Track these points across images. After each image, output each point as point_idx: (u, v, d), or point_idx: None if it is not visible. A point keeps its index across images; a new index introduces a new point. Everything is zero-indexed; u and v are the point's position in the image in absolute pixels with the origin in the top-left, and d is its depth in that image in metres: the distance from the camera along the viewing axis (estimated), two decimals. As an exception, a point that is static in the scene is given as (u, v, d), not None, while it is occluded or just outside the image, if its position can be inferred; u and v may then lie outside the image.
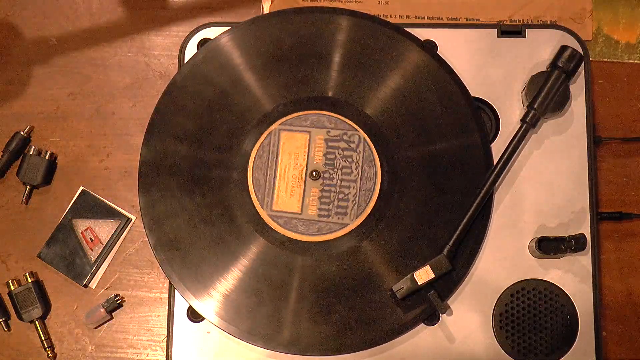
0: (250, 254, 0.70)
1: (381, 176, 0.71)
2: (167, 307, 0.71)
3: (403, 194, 0.71)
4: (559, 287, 0.71)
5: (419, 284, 0.67)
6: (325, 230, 0.70)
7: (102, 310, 0.74)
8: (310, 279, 0.69)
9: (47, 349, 0.74)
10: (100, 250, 0.76)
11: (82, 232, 0.76)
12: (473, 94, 0.73)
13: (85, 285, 0.76)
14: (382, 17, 0.78)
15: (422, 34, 0.74)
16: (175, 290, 0.70)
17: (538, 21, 0.80)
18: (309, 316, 0.68)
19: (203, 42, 0.74)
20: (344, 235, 0.70)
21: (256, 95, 0.72)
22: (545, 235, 0.70)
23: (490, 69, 0.74)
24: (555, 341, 0.70)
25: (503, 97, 0.74)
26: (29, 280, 0.75)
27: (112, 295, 0.75)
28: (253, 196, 0.70)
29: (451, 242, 0.68)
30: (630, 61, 0.80)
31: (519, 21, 0.80)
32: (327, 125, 0.72)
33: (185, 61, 0.74)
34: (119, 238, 0.77)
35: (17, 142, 0.77)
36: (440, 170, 0.71)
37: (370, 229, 0.70)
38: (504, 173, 0.71)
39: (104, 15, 0.81)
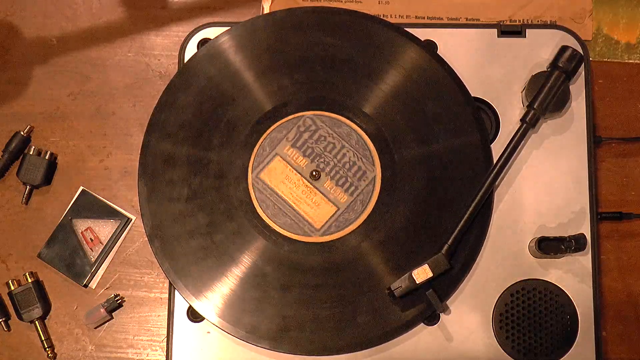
0: (250, 254, 0.70)
1: (352, 122, 0.71)
2: (167, 307, 0.71)
3: (402, 193, 0.71)
4: (559, 287, 0.71)
5: (417, 282, 0.67)
6: (367, 196, 0.70)
7: (102, 310, 0.74)
8: (309, 278, 0.69)
9: (47, 349, 0.74)
10: (100, 250, 0.76)
11: (82, 232, 0.76)
12: (473, 94, 0.73)
13: (85, 285, 0.76)
14: (382, 17, 0.78)
15: (422, 34, 0.74)
16: (175, 290, 0.70)
17: (538, 21, 0.80)
18: (308, 316, 0.68)
19: (203, 42, 0.74)
20: (381, 190, 0.70)
21: (256, 95, 0.72)
22: (545, 235, 0.71)
23: (490, 69, 0.74)
24: (555, 341, 0.70)
25: (503, 97, 0.74)
26: (29, 280, 0.75)
27: (112, 295, 0.75)
28: (299, 237, 0.70)
29: (450, 241, 0.68)
30: (630, 61, 0.80)
31: (519, 21, 0.80)
32: (280, 135, 0.72)
33: (185, 61, 0.74)
34: (119, 238, 0.77)
35: (17, 142, 0.77)
36: (440, 169, 0.71)
37: (370, 229, 0.70)
38: (503, 173, 0.71)
39: (104, 15, 0.81)
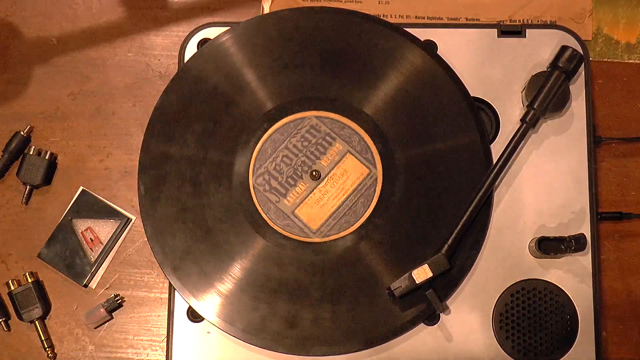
0: (250, 254, 0.70)
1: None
2: (167, 307, 0.71)
3: (403, 194, 0.71)
4: (559, 287, 0.71)
5: (417, 282, 0.67)
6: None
7: (102, 310, 0.74)
8: (309, 278, 0.69)
9: (47, 349, 0.74)
10: (100, 250, 0.76)
11: (82, 232, 0.76)
12: (473, 94, 0.73)
13: (85, 285, 0.76)
14: (382, 17, 0.78)
15: (422, 34, 0.74)
16: (175, 290, 0.70)
17: (538, 21, 0.80)
18: (308, 316, 0.68)
19: (203, 42, 0.74)
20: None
21: (256, 95, 0.72)
22: (545, 235, 0.70)
23: (490, 69, 0.74)
24: (555, 341, 0.70)
25: (503, 97, 0.74)
26: (29, 280, 0.75)
27: (112, 295, 0.75)
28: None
29: (450, 241, 0.68)
30: (630, 61, 0.80)
31: (519, 21, 0.80)
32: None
33: (185, 61, 0.74)
34: (119, 238, 0.77)
35: (17, 142, 0.77)
36: (440, 170, 0.71)
37: (370, 229, 0.70)
38: (503, 173, 0.71)
39: (104, 15, 0.81)
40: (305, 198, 0.71)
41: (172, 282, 0.69)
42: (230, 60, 0.73)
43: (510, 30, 0.75)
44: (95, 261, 0.76)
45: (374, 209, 0.70)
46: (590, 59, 0.78)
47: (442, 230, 0.69)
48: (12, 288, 0.75)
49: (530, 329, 0.70)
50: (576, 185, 0.72)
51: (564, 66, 0.70)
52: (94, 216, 0.77)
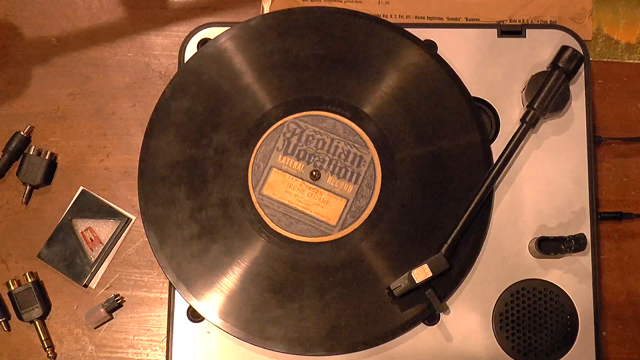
0: (250, 254, 0.70)
1: (332, 112, 0.71)
2: (167, 307, 0.71)
3: (402, 194, 0.71)
4: (559, 287, 0.71)
5: (417, 282, 0.67)
6: (371, 179, 0.70)
7: (102, 310, 0.74)
8: (309, 278, 0.69)
9: (47, 349, 0.74)
10: (100, 250, 0.76)
11: (82, 232, 0.76)
12: (473, 94, 0.73)
13: (85, 285, 0.76)
14: (382, 17, 0.78)
15: (422, 34, 0.74)
16: (175, 290, 0.70)
17: (538, 21, 0.80)
18: (308, 316, 0.68)
19: (203, 42, 0.74)
20: (382, 171, 0.71)
21: (256, 95, 0.72)
22: (545, 235, 0.71)
23: (490, 69, 0.74)
24: (555, 341, 0.70)
25: (503, 97, 0.74)
26: (29, 280, 0.75)
27: (112, 295, 0.75)
28: (317, 239, 0.70)
29: (449, 241, 0.68)
30: (630, 61, 0.80)
31: (519, 21, 0.80)
32: (269, 147, 0.71)
33: (185, 61, 0.74)
34: (119, 238, 0.77)
35: (17, 142, 0.77)
36: (440, 170, 0.71)
37: (370, 229, 0.70)
38: (503, 173, 0.71)
39: (104, 15, 0.81)
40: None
41: (172, 282, 0.69)
42: (230, 60, 0.73)
43: (510, 30, 0.75)
44: (95, 261, 0.76)
45: (374, 208, 0.70)
46: (590, 59, 0.78)
47: (442, 230, 0.69)
48: (12, 288, 0.75)
49: (530, 329, 0.70)
50: (576, 185, 0.72)
51: (564, 66, 0.70)
52: (94, 216, 0.77)
